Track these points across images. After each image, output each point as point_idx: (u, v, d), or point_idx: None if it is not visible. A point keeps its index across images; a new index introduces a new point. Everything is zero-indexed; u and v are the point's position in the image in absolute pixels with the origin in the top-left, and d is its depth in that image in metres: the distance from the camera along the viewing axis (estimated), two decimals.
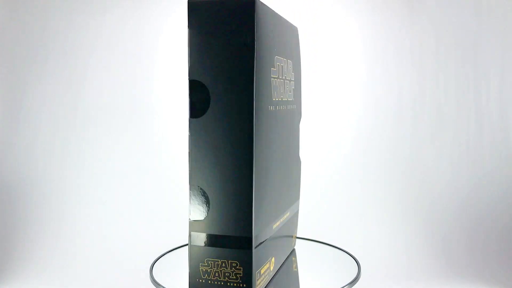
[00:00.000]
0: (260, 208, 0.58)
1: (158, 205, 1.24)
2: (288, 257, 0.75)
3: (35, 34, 1.28)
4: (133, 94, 1.30)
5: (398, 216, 1.29)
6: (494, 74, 1.32)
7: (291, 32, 0.70)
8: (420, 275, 1.16)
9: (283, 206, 0.68)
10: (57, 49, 1.29)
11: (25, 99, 1.29)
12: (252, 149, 0.55)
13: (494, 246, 1.24)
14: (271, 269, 0.64)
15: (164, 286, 0.63)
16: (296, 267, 0.75)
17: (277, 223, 0.65)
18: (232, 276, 0.57)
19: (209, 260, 0.58)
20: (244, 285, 0.57)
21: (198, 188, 0.57)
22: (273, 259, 0.64)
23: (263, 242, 0.59)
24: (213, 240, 0.57)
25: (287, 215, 0.71)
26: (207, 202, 0.57)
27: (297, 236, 0.82)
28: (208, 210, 0.57)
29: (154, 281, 0.65)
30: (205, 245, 0.58)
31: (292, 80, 0.70)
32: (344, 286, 0.66)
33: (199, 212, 0.57)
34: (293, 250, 0.79)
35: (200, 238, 0.58)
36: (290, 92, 0.69)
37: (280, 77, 0.63)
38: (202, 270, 0.58)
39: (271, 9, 0.59)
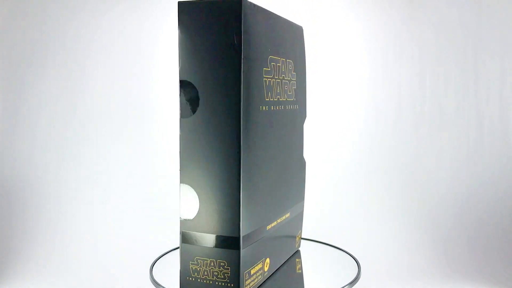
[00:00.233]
0: (249, 209, 0.58)
1: (158, 205, 1.24)
2: (290, 258, 0.75)
3: (35, 34, 1.29)
4: (133, 94, 1.29)
5: (398, 216, 1.29)
6: (495, 75, 1.32)
7: (292, 31, 0.70)
8: (421, 276, 1.15)
9: (281, 206, 0.68)
10: (56, 49, 1.29)
11: (24, 99, 1.29)
12: (239, 149, 0.55)
13: (495, 246, 1.24)
14: (265, 270, 0.64)
15: (164, 286, 0.64)
16: (300, 269, 0.74)
17: (273, 224, 0.65)
18: (220, 275, 0.57)
19: (199, 259, 0.58)
20: (232, 285, 0.57)
21: (188, 187, 0.58)
22: (267, 259, 0.64)
23: (254, 242, 0.59)
24: (202, 239, 0.58)
25: (286, 216, 0.70)
26: (196, 201, 0.57)
27: None
28: (197, 209, 0.58)
29: (154, 281, 0.66)
30: (194, 244, 0.58)
31: (294, 80, 0.70)
32: (344, 286, 0.65)
33: (189, 211, 0.58)
34: (298, 251, 0.78)
35: (190, 237, 0.58)
36: (290, 92, 0.68)
37: (276, 77, 0.63)
38: (192, 268, 0.59)
39: (264, 9, 0.59)
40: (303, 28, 0.75)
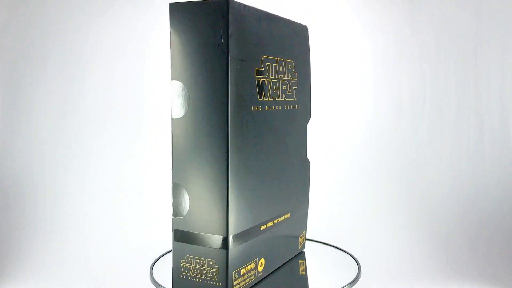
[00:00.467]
0: (239, 209, 0.58)
1: (158, 205, 1.24)
2: (293, 259, 0.74)
3: (34, 34, 1.29)
4: (133, 95, 1.30)
5: (398, 215, 1.29)
6: (495, 75, 1.31)
7: (294, 31, 0.69)
8: (421, 276, 1.14)
9: (279, 207, 0.67)
10: (56, 49, 1.30)
11: (23, 99, 1.30)
12: (227, 148, 0.55)
13: (495, 246, 1.23)
14: (260, 270, 0.64)
15: (164, 286, 0.65)
16: (304, 270, 0.74)
17: (269, 224, 0.65)
18: (209, 274, 0.58)
19: (189, 257, 0.59)
20: (220, 284, 0.57)
21: (179, 186, 0.58)
22: (262, 260, 0.64)
23: (245, 242, 0.59)
24: (192, 238, 0.58)
25: (286, 216, 0.70)
26: (187, 200, 0.58)
27: None
28: (188, 208, 0.58)
29: (154, 281, 0.67)
30: (185, 242, 0.59)
31: (294, 80, 0.69)
32: (344, 286, 0.65)
33: (180, 209, 0.59)
34: (302, 252, 0.78)
35: (182, 235, 0.59)
36: (289, 92, 0.68)
37: (272, 77, 0.63)
38: (183, 266, 0.59)
39: (257, 9, 0.59)
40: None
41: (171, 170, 0.60)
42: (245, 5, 0.56)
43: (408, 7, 1.32)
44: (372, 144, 1.33)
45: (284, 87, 0.66)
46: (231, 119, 0.55)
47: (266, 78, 0.61)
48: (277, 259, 0.69)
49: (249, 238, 0.60)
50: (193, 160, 0.57)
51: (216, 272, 0.57)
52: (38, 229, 1.25)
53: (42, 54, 1.31)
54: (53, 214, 1.27)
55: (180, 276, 0.60)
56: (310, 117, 0.76)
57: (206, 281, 0.58)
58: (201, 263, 0.58)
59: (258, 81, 0.60)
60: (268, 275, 0.67)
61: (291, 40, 0.68)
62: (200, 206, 0.57)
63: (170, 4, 0.57)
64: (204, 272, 0.58)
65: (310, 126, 0.75)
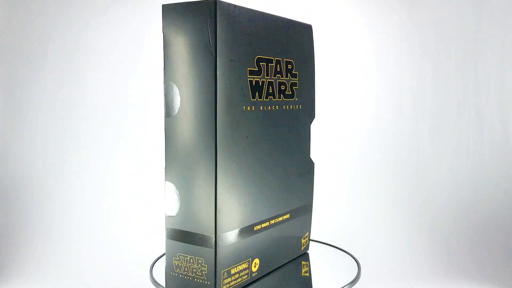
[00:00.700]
0: (229, 208, 0.58)
1: (158, 204, 1.24)
2: (294, 260, 0.74)
3: (33, 35, 1.31)
4: (132, 94, 1.31)
5: (398, 215, 1.29)
6: (495, 74, 1.30)
7: (295, 31, 0.69)
8: (421, 276, 1.13)
9: (277, 207, 0.67)
10: (54, 51, 1.31)
11: (22, 99, 1.31)
12: (215, 148, 0.55)
13: (495, 247, 1.22)
14: (253, 270, 0.64)
15: (164, 286, 0.66)
16: (307, 272, 0.73)
17: (264, 225, 0.65)
18: (198, 272, 0.58)
19: (180, 255, 0.59)
20: (208, 283, 0.58)
21: (172, 185, 0.59)
22: (256, 260, 0.64)
23: (236, 242, 0.60)
24: (183, 236, 0.59)
25: (285, 217, 0.69)
26: (178, 198, 0.59)
27: None
28: (179, 207, 0.59)
29: (154, 281, 0.68)
30: (177, 240, 0.60)
31: (295, 80, 0.69)
32: (344, 286, 0.64)
33: (172, 208, 0.60)
34: (306, 254, 0.77)
35: (174, 233, 0.60)
36: (289, 92, 0.67)
37: (267, 77, 0.63)
38: (175, 264, 0.60)
39: (251, 9, 0.59)
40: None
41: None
42: (235, 6, 0.56)
43: (409, 7, 1.32)
44: (372, 144, 1.34)
45: (283, 87, 0.66)
46: (220, 119, 0.55)
47: (260, 78, 0.61)
48: (275, 260, 0.68)
49: (241, 237, 0.60)
50: (184, 159, 0.58)
51: (205, 271, 0.58)
52: (37, 229, 1.25)
53: (40, 55, 1.32)
54: (53, 214, 1.27)
55: (172, 273, 0.60)
56: (314, 117, 0.75)
57: (196, 279, 0.58)
58: (191, 261, 0.59)
59: (251, 81, 0.60)
60: (265, 275, 0.67)
61: (291, 40, 0.68)
62: (191, 205, 0.58)
63: (163, 5, 0.58)
64: (194, 270, 0.58)
65: (313, 127, 0.74)
